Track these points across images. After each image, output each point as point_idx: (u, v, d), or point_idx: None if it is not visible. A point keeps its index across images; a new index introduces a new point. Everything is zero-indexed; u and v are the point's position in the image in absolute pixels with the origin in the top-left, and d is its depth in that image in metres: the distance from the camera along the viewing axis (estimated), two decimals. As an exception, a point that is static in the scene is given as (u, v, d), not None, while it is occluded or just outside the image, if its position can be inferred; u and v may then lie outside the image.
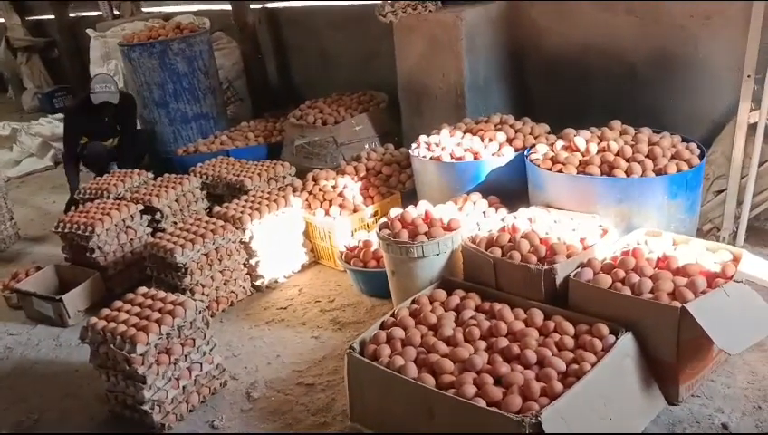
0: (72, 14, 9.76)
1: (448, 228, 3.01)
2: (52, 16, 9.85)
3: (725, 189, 3.44)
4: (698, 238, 2.91)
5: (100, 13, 8.23)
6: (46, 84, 9.80)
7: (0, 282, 4.15)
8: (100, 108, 5.08)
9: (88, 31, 7.24)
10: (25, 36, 10.07)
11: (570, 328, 2.51)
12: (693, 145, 3.16)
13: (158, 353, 2.73)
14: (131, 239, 4.00)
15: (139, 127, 5.80)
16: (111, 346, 2.69)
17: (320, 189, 4.04)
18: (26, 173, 6.75)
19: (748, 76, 3.21)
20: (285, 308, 3.59)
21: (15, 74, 10.29)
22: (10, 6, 10.12)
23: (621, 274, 2.57)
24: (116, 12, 8.05)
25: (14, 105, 10.13)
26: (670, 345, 2.39)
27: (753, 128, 3.28)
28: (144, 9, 8.05)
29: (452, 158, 3.57)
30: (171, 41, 5.60)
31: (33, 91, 9.76)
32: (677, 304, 2.35)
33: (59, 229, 3.96)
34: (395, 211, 3.24)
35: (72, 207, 4.52)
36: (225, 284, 3.64)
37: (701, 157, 3.08)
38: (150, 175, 4.66)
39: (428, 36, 4.27)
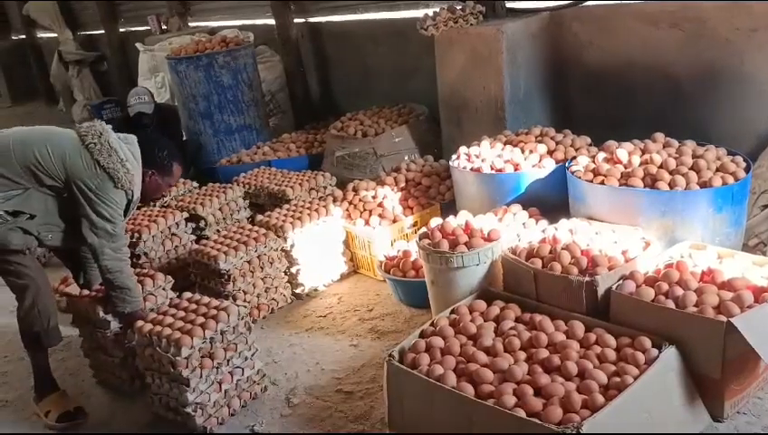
0: (121, 30, 10.09)
1: (488, 239, 3.02)
2: (103, 31, 10.19)
3: (772, 204, 3.38)
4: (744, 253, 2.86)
5: (149, 28, 8.46)
6: (95, 97, 10.10)
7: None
8: (138, 120, 5.25)
9: (137, 45, 7.46)
10: (77, 50, 10.42)
11: (611, 341, 2.48)
12: (739, 158, 3.11)
13: (202, 357, 2.79)
14: (176, 246, 4.09)
15: (185, 138, 5.94)
16: (157, 349, 2.76)
17: (360, 200, 4.09)
18: (75, 182, 6.94)
19: (796, 89, 3.16)
20: (325, 316, 3.64)
21: (67, 87, 10.64)
22: (63, 22, 10.49)
23: (665, 287, 2.54)
24: (164, 27, 8.27)
25: (65, 117, 10.44)
26: (715, 360, 2.35)
27: (801, 142, 3.22)
28: (191, 24, 8.26)
29: (492, 169, 3.59)
30: (217, 54, 5.74)
31: (83, 103, 10.07)
32: (723, 318, 2.32)
33: (107, 235, 4.08)
34: (435, 221, 3.26)
35: None
36: (266, 291, 3.70)
37: (747, 170, 3.03)
38: (195, 184, 4.77)
39: (469, 50, 4.30)
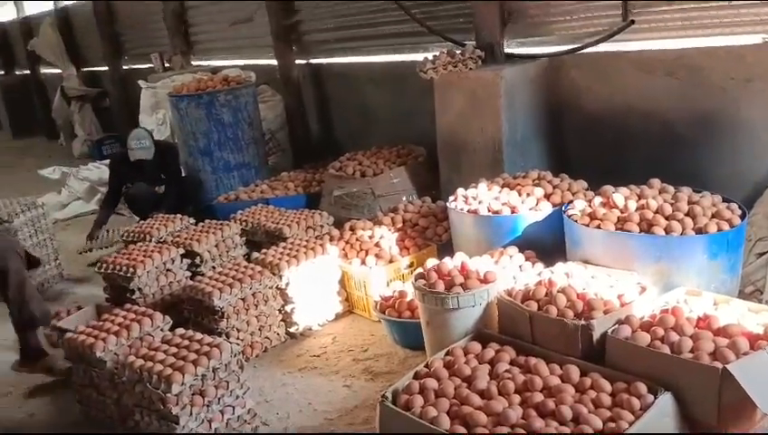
0: (124, 67, 10.23)
1: (484, 280, 3.01)
2: (106, 68, 10.32)
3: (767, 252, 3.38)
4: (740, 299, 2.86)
5: (152, 65, 8.59)
6: (96, 132, 10.19)
7: (42, 320, 4.25)
8: (138, 164, 5.30)
9: (140, 82, 7.56)
10: (80, 86, 10.54)
11: (607, 385, 2.46)
12: (734, 205, 3.13)
13: (193, 395, 2.75)
14: (171, 282, 4.07)
15: (184, 175, 5.97)
16: (147, 385, 2.72)
17: (356, 239, 4.09)
18: (73, 216, 6.95)
19: (791, 138, 3.19)
20: (318, 356, 3.60)
21: (68, 122, 10.73)
22: (67, 58, 10.64)
23: (660, 332, 2.53)
24: (167, 65, 8.40)
25: (65, 151, 10.52)
26: (711, 407, 2.33)
27: (796, 190, 3.25)
28: (194, 62, 8.39)
29: (489, 211, 3.60)
30: (218, 92, 5.81)
31: (83, 138, 10.15)
32: (719, 364, 2.30)
33: (101, 270, 4.07)
34: (431, 262, 3.25)
35: (94, 239, 5.32)
36: (260, 329, 3.68)
37: (742, 217, 3.05)
38: (192, 220, 4.77)
39: (468, 93, 4.36)
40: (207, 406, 2.79)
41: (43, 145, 11.94)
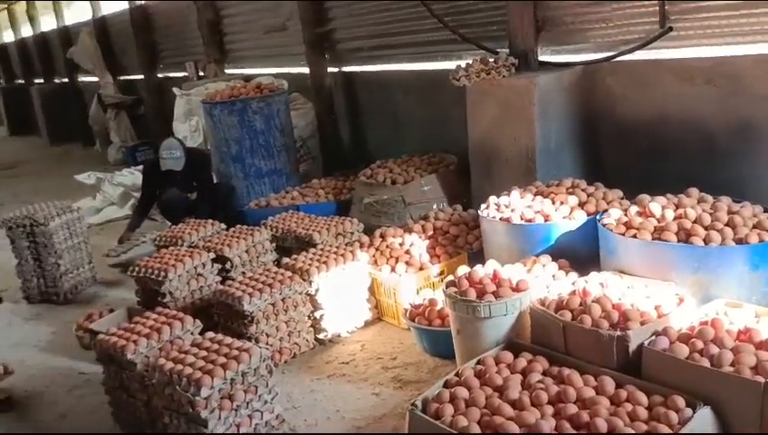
0: (159, 75, 10.39)
1: (517, 289, 2.96)
2: (142, 76, 10.49)
3: (811, 265, 3.27)
4: (783, 313, 2.76)
5: (186, 74, 8.70)
6: (131, 139, 10.36)
7: (75, 322, 4.30)
8: (168, 173, 5.37)
9: (174, 89, 7.65)
10: (116, 94, 10.73)
11: (643, 398, 2.39)
12: (776, 216, 3.04)
13: (221, 398, 2.75)
14: (201, 286, 4.09)
15: (216, 181, 6.02)
16: (177, 388, 2.72)
17: (387, 246, 4.07)
18: (106, 220, 7.06)
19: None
20: (347, 363, 3.58)
21: (104, 129, 10.93)
22: (104, 66, 10.84)
23: (699, 344, 2.46)
24: (201, 73, 8.51)
25: (100, 158, 10.71)
26: (752, 422, 2.25)
27: (841, 201, 3.14)
28: (227, 71, 8.48)
29: (522, 219, 3.55)
30: (251, 99, 5.86)
31: (118, 144, 10.32)
32: (761, 378, 2.22)
33: (133, 273, 4.10)
34: (462, 270, 3.21)
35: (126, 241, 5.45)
36: (289, 335, 3.67)
37: (785, 228, 2.95)
38: (223, 226, 4.80)
39: (501, 101, 4.32)
40: (236, 410, 2.77)
41: (79, 151, 12.18)
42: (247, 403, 2.81)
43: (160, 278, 3.93)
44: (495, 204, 3.77)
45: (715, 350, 2.40)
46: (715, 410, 2.30)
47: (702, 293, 2.88)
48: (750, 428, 2.25)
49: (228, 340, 2.98)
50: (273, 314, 3.58)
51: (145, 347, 3.06)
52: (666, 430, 2.22)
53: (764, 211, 3.10)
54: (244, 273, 4.25)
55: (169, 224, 5.41)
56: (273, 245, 4.55)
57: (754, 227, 2.94)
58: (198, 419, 2.69)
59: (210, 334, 3.08)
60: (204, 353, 2.88)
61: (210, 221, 4.83)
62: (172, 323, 3.21)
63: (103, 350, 3.20)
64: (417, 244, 4.05)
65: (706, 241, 2.89)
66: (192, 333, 3.21)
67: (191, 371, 2.74)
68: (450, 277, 3.24)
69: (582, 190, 3.66)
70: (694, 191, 3.30)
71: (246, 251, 4.39)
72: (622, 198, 3.59)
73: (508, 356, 2.78)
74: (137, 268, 4.10)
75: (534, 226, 3.50)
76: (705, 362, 2.38)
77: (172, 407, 2.83)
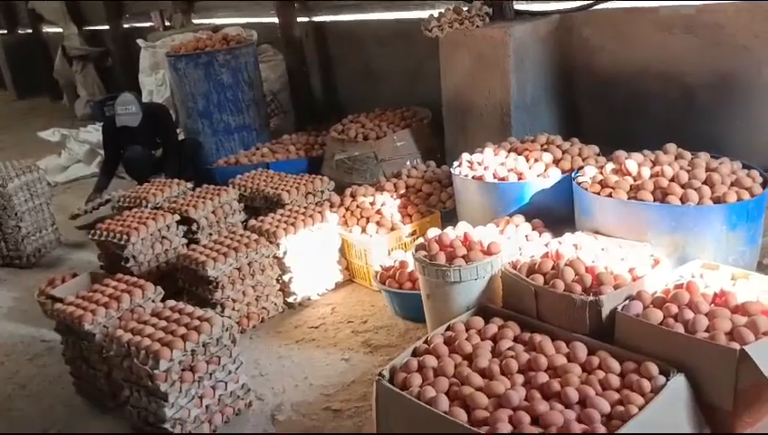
0: (125, 25, 9.98)
1: (488, 252, 2.86)
2: (107, 27, 10.08)
3: (789, 221, 3.20)
4: (758, 273, 2.69)
5: (152, 24, 8.36)
6: (99, 93, 10.00)
7: (38, 287, 4.16)
8: (123, 131, 5.20)
9: (138, 41, 7.36)
10: (81, 46, 10.31)
11: (615, 365, 2.32)
12: (755, 172, 2.95)
13: (182, 370, 2.65)
14: (166, 250, 3.95)
15: (183, 138, 5.83)
16: (135, 360, 2.62)
17: (357, 206, 3.94)
18: (73, 179, 6.83)
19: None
20: (317, 327, 3.48)
21: (70, 82, 10.53)
22: (68, 17, 10.39)
23: (674, 309, 2.37)
24: (167, 23, 8.16)
25: (68, 112, 10.34)
26: (726, 391, 2.18)
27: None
28: (194, 21, 8.14)
29: (495, 178, 3.43)
30: (217, 52, 5.61)
31: (85, 98, 9.96)
32: (736, 345, 2.15)
33: (95, 237, 3.95)
34: (432, 232, 3.10)
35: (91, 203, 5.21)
36: (256, 299, 3.56)
37: (764, 185, 2.87)
38: (189, 185, 4.63)
39: (475, 52, 4.15)
40: (198, 382, 2.68)
41: (47, 106, 11.78)
42: (210, 374, 2.72)
43: (123, 242, 3.78)
44: (468, 161, 3.65)
45: (689, 315, 2.33)
46: (688, 377, 2.23)
47: (678, 253, 2.80)
48: (724, 395, 2.19)
49: (189, 309, 2.87)
50: (239, 279, 3.46)
51: (104, 317, 2.94)
52: (638, 398, 2.15)
53: (743, 167, 3.01)
54: (210, 234, 4.12)
55: (137, 183, 5.23)
56: (242, 205, 4.41)
57: (732, 184, 2.85)
58: (158, 392, 2.60)
59: (171, 303, 2.96)
60: (164, 324, 2.77)
61: (176, 181, 4.66)
62: (132, 290, 3.08)
63: (61, 320, 3.07)
64: (389, 203, 3.92)
65: (683, 200, 2.80)
66: (153, 301, 3.09)
67: (149, 342, 2.63)
68: (420, 240, 3.12)
69: (557, 147, 3.54)
70: (671, 147, 3.19)
71: (213, 212, 4.24)
72: (598, 155, 3.48)
73: (479, 322, 2.69)
74: (98, 232, 3.94)
75: (507, 184, 3.39)
76: (680, 328, 2.30)
77: (131, 379, 2.73)
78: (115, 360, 2.77)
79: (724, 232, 2.77)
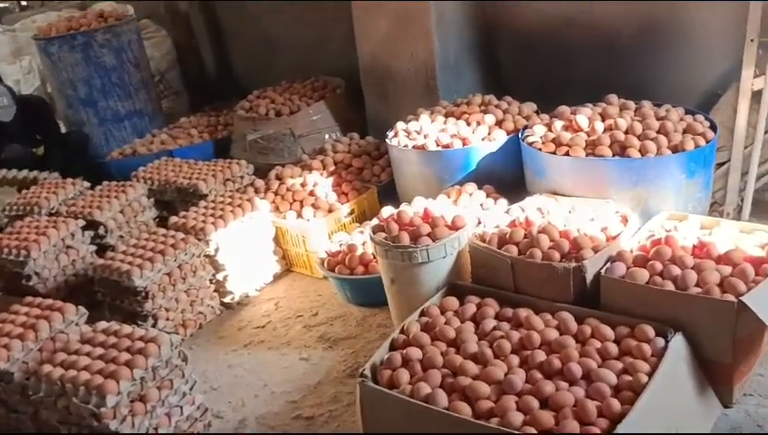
0: (-28, 8, 8.87)
1: (453, 227, 2.67)
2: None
3: (726, 162, 3.23)
4: (721, 218, 2.68)
5: (6, 5, 7.46)
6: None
7: None
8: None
9: (-7, 25, 6.51)
10: None
11: (609, 332, 2.22)
12: (700, 117, 2.93)
13: (132, 402, 2.29)
14: (74, 260, 3.49)
15: (66, 130, 5.23)
16: (74, 399, 2.23)
17: (287, 189, 3.64)
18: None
19: (751, 40, 2.97)
20: (263, 327, 3.19)
21: None
22: None
23: (658, 266, 2.29)
24: (24, 3, 7.31)
25: None
26: (726, 344, 2.13)
27: (756, 95, 3.07)
28: (55, -2, 7.34)
29: (438, 145, 3.24)
30: (95, 31, 5.03)
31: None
32: (731, 297, 2.10)
33: (-14, 256, 3.42)
34: (387, 211, 2.87)
35: None
36: (191, 305, 3.20)
37: (713, 129, 2.85)
38: (86, 184, 4.12)
39: (393, 12, 3.89)
40: (151, 412, 2.34)
41: None
42: (163, 401, 2.38)
43: (21, 259, 3.30)
44: (405, 130, 3.43)
45: (676, 271, 2.25)
46: (685, 334, 2.16)
47: (641, 207, 2.74)
48: (723, 349, 2.14)
49: (127, 329, 2.49)
50: (170, 285, 3.09)
51: (20, 351, 2.50)
52: (644, 365, 2.05)
53: (686, 112, 2.98)
54: (122, 237, 3.69)
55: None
56: (152, 200, 3.97)
57: (685, 131, 2.81)
58: (106, 431, 2.23)
59: (103, 325, 2.57)
60: (100, 351, 2.39)
61: (70, 180, 4.13)
62: (49, 315, 2.65)
63: (-35, 360, 2.59)
64: (321, 183, 3.65)
65: (642, 152, 2.72)
66: (77, 325, 2.67)
67: (88, 376, 2.26)
68: (375, 221, 2.89)
69: (495, 107, 3.39)
70: (614, 98, 3.12)
71: (121, 211, 3.80)
72: (537, 112, 3.37)
73: (453, 302, 2.51)
74: (-11, 249, 3.41)
75: (452, 151, 3.20)
76: (670, 286, 2.22)
77: (70, 420, 2.34)
78: (46, 401, 2.36)
79: (683, 181, 2.73)
